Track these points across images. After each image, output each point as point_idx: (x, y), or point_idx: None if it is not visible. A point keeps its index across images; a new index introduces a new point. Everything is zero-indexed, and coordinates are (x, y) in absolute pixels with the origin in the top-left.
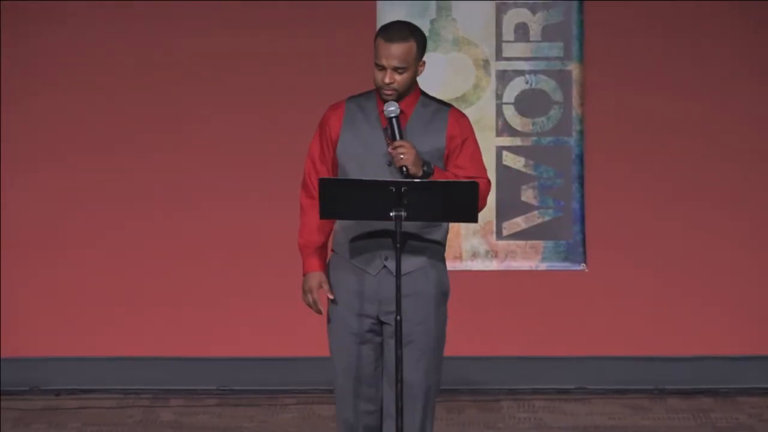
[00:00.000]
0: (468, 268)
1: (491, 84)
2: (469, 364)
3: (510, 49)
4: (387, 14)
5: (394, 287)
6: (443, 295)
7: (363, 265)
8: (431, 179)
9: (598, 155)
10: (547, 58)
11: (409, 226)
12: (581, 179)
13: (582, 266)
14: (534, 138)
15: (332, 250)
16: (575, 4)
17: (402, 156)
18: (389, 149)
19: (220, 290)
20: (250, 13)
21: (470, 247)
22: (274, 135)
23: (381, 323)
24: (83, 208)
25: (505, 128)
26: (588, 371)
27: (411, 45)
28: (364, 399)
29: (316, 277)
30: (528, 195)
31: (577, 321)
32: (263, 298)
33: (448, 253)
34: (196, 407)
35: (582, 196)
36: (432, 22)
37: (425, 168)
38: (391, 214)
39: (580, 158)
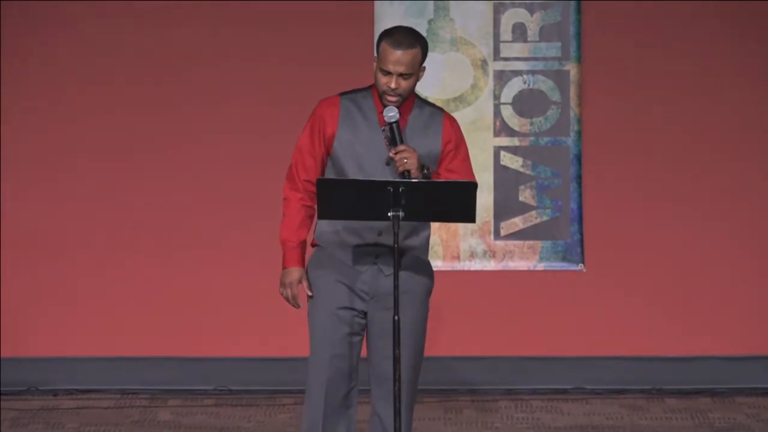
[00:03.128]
0: (466, 268)
1: (489, 84)
2: (467, 365)
3: (508, 49)
4: (385, 13)
5: (386, 284)
6: (428, 294)
7: (352, 262)
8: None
9: (596, 155)
10: (544, 58)
11: (403, 227)
12: (579, 179)
13: (580, 266)
14: (532, 138)
15: (315, 244)
16: (573, 4)
17: (406, 160)
18: (391, 154)
19: (218, 290)
20: (249, 11)
21: (468, 247)
22: (274, 134)
23: (366, 319)
24: (82, 208)
25: (502, 128)
26: (586, 371)
27: (417, 52)
28: (336, 398)
29: (297, 272)
30: (526, 195)
31: (574, 321)
32: (261, 298)
33: (446, 253)
34: (194, 407)
35: (580, 196)
36: (430, 22)
37: (425, 171)
38: (389, 214)
39: (578, 158)
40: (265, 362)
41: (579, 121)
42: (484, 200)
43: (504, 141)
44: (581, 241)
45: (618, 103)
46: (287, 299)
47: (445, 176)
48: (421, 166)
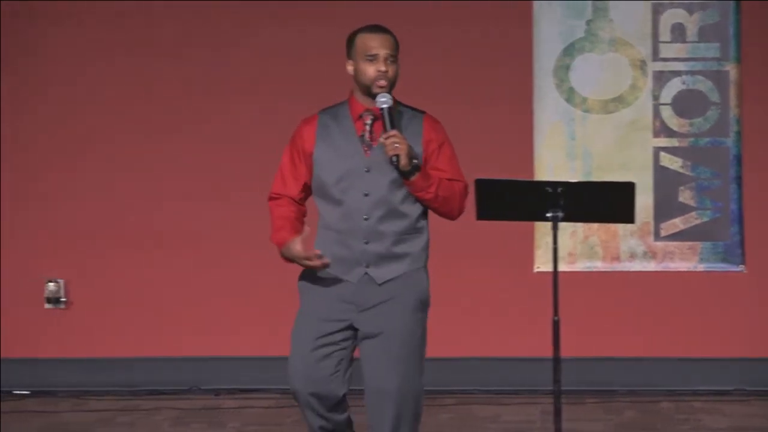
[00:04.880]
0: (626, 269)
1: (648, 85)
2: (628, 366)
3: (667, 50)
4: (543, 15)
5: (375, 294)
6: (422, 303)
7: (342, 274)
8: (420, 174)
9: (757, 156)
10: (703, 59)
11: (391, 234)
12: (739, 180)
13: (740, 267)
14: (691, 139)
15: None
16: (732, 4)
17: (396, 145)
18: (381, 138)
19: None
20: (401, 11)
21: (628, 248)
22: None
23: (354, 331)
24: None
25: (662, 129)
26: (747, 372)
27: (394, 38)
28: (318, 405)
29: (296, 242)
30: (686, 196)
31: (735, 322)
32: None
33: (606, 254)
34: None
35: (740, 197)
36: (588, 22)
37: (415, 161)
38: (547, 214)
39: (738, 159)
40: (429, 362)
41: (738, 121)
42: (644, 201)
43: (663, 141)
44: (741, 242)
45: None
46: (313, 267)
47: (433, 175)
48: (412, 156)
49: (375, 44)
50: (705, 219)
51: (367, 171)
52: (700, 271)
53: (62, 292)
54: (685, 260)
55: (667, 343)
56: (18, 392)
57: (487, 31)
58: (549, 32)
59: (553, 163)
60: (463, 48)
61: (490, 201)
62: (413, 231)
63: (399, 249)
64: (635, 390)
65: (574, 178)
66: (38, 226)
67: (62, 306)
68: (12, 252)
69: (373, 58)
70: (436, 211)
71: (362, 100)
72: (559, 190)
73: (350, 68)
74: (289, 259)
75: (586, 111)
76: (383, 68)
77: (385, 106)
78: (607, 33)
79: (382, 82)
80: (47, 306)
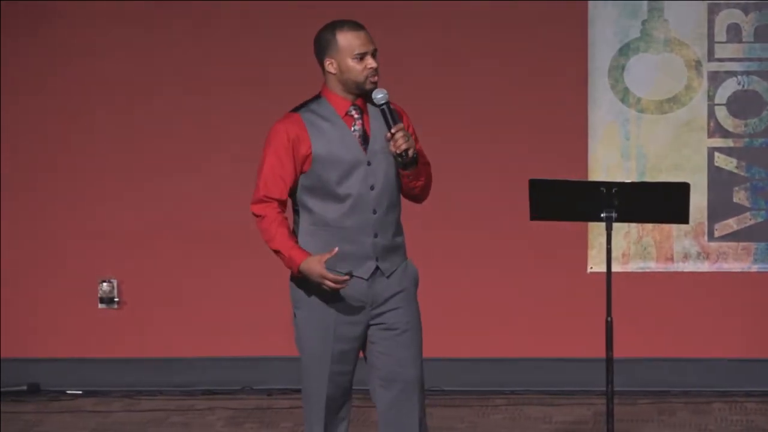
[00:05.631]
0: (679, 270)
1: (703, 85)
2: (681, 366)
3: (722, 50)
4: (599, 15)
5: (385, 288)
6: (416, 289)
7: (353, 271)
8: (419, 164)
9: None
10: (759, 59)
11: (391, 225)
12: None
13: None
14: (746, 139)
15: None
16: None
17: (408, 138)
18: (392, 131)
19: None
20: (446, 10)
21: (682, 248)
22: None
23: (366, 328)
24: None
25: (716, 129)
26: None
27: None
28: (333, 410)
29: (314, 262)
30: (740, 196)
31: None
32: (464, 296)
33: (660, 254)
34: None
35: None
36: (643, 22)
37: (415, 154)
38: (601, 215)
39: None
40: (475, 362)
41: None
42: (698, 201)
43: (718, 142)
44: None
45: None
46: (335, 284)
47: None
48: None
49: (361, 42)
50: (759, 219)
51: (369, 164)
52: (753, 272)
53: (115, 293)
54: (738, 261)
55: (720, 344)
56: (71, 392)
57: (542, 31)
58: (604, 32)
59: (608, 163)
60: (518, 48)
61: (544, 201)
62: (399, 221)
63: (398, 239)
64: (688, 391)
65: (628, 179)
66: (92, 226)
67: (115, 306)
68: (66, 253)
69: (362, 56)
70: (415, 198)
71: (345, 96)
72: (614, 190)
73: (331, 66)
74: (314, 275)
75: (641, 111)
76: (375, 65)
77: (384, 102)
78: (662, 33)
79: (375, 78)
80: (101, 306)
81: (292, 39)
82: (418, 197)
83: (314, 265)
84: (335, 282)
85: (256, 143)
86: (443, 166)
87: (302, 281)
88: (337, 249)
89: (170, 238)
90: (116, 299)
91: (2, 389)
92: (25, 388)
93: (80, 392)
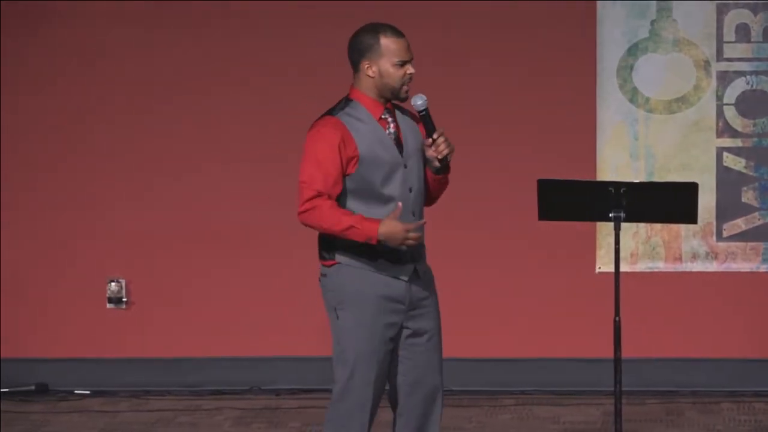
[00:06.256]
0: (688, 270)
1: (712, 85)
2: (689, 366)
3: (731, 50)
4: (607, 15)
5: (419, 291)
6: None
7: (395, 272)
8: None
9: None
10: None
11: (421, 229)
12: None
13: None
14: (755, 139)
15: (334, 263)
16: None
17: (449, 143)
18: (434, 137)
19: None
20: (451, 10)
21: (690, 248)
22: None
23: (401, 329)
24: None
25: (725, 129)
26: None
27: None
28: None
29: (390, 220)
30: (749, 196)
31: None
32: (479, 295)
33: (668, 254)
34: None
35: None
36: (652, 22)
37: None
38: (609, 215)
39: None
40: (483, 362)
41: None
42: (706, 201)
43: (727, 142)
44: None
45: None
46: (414, 240)
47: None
48: None
49: (402, 48)
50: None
51: (406, 167)
52: (762, 272)
53: (124, 293)
54: (747, 261)
55: (728, 344)
56: (79, 392)
57: (551, 31)
58: (612, 32)
59: (616, 163)
60: (526, 48)
61: (552, 201)
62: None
63: (424, 241)
64: (696, 391)
65: (636, 179)
66: (100, 226)
67: (124, 306)
68: (74, 253)
69: (404, 63)
70: (432, 201)
71: (377, 100)
72: (622, 190)
73: (370, 69)
74: (395, 237)
75: (650, 111)
76: (413, 71)
77: (424, 108)
78: (671, 33)
79: (408, 87)
80: (109, 306)
81: (292, 39)
82: (435, 200)
83: (393, 224)
84: (407, 231)
85: (261, 144)
86: (451, 166)
87: (343, 282)
88: (401, 204)
89: (179, 238)
90: (124, 299)
91: (10, 389)
92: (33, 387)
93: (88, 392)
